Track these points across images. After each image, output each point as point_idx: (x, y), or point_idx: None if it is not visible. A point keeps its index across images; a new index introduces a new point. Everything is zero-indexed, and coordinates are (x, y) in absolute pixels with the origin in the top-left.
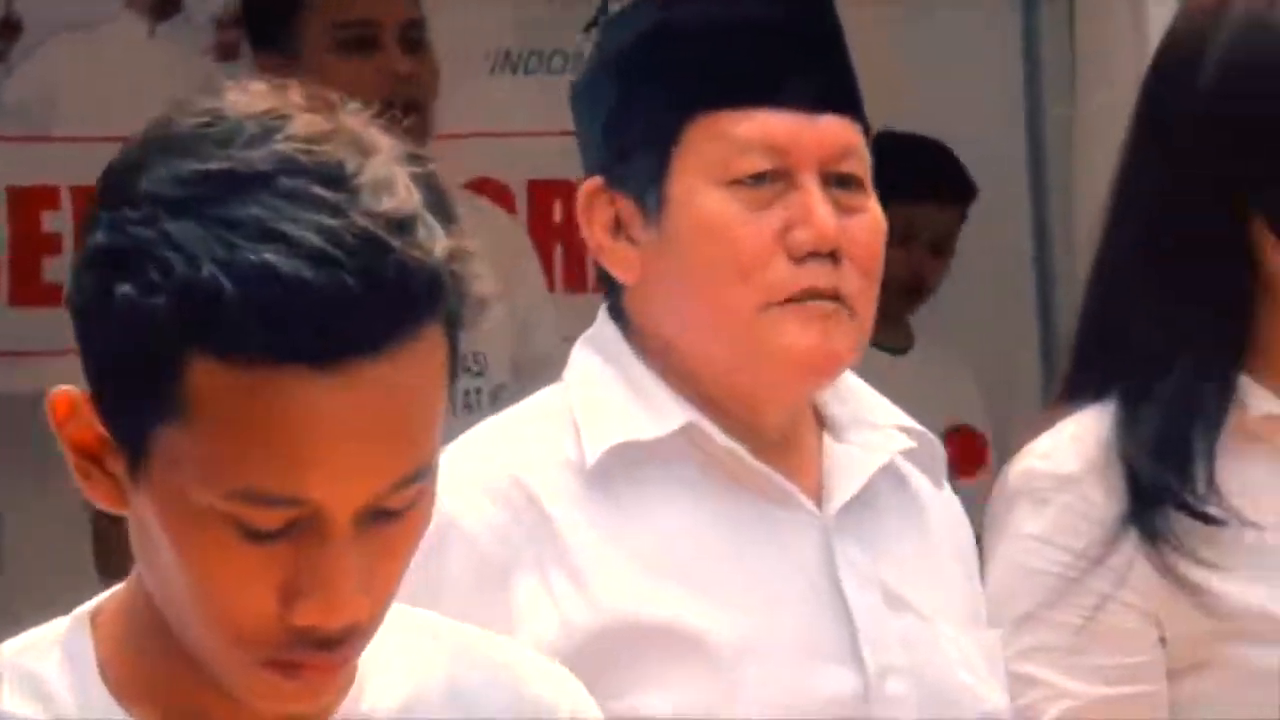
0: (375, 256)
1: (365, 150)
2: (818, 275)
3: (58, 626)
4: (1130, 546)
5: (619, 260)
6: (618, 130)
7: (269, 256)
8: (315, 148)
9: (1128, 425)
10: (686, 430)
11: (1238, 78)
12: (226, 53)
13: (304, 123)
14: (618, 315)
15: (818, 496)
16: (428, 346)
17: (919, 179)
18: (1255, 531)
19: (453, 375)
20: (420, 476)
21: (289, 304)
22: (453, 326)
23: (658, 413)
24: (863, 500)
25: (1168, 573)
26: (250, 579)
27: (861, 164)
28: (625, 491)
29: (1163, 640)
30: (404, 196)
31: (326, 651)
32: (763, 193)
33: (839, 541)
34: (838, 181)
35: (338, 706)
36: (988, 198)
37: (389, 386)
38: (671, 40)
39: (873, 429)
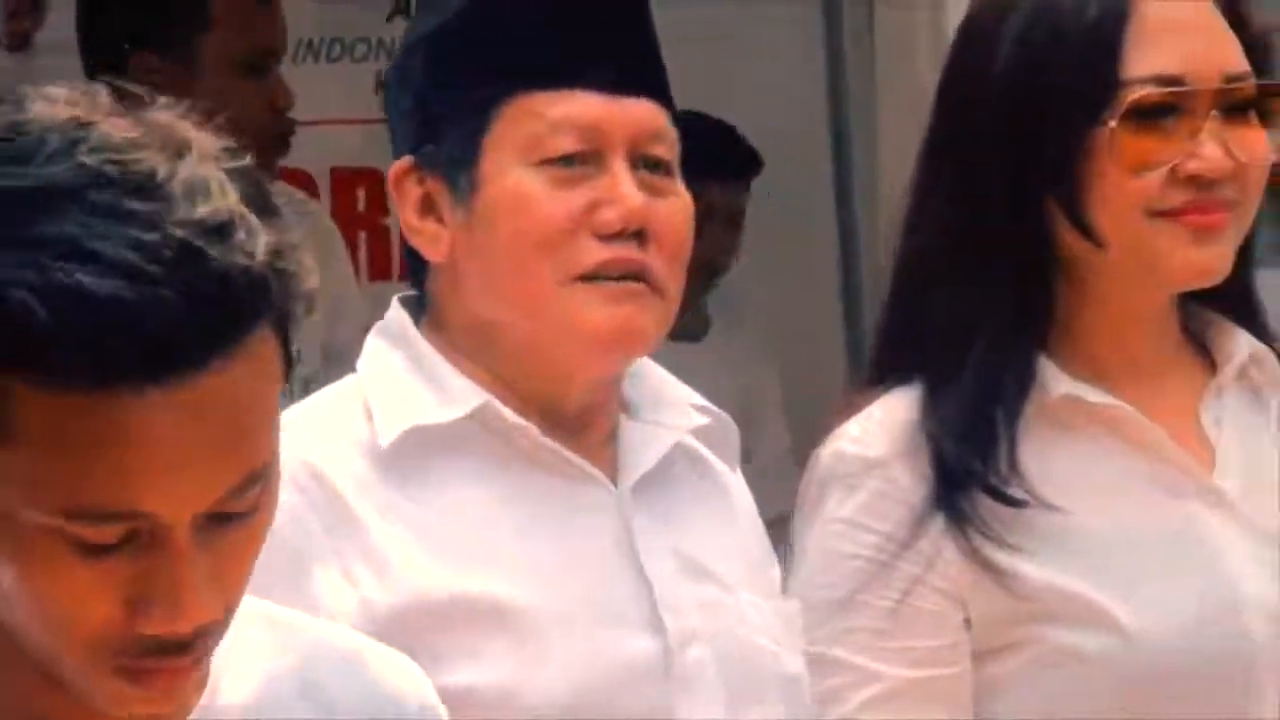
0: (194, 268)
1: (177, 152)
2: (623, 251)
3: None
4: (937, 530)
5: (427, 239)
6: (429, 111)
7: (82, 278)
8: (123, 156)
9: (933, 408)
10: (478, 412)
11: (1029, 62)
12: (17, 43)
13: (110, 130)
14: (420, 300)
15: (615, 473)
16: (257, 349)
17: (704, 156)
18: (1057, 514)
19: (287, 370)
20: (259, 479)
21: (108, 327)
22: (282, 323)
23: (449, 396)
24: (659, 476)
25: (972, 555)
26: (92, 593)
27: (670, 148)
28: (421, 474)
29: (968, 622)
30: (220, 198)
31: (177, 656)
32: (572, 173)
33: (635, 515)
34: (646, 164)
35: (195, 704)
36: (792, 181)
37: (218, 396)
38: (483, 21)
39: (669, 407)
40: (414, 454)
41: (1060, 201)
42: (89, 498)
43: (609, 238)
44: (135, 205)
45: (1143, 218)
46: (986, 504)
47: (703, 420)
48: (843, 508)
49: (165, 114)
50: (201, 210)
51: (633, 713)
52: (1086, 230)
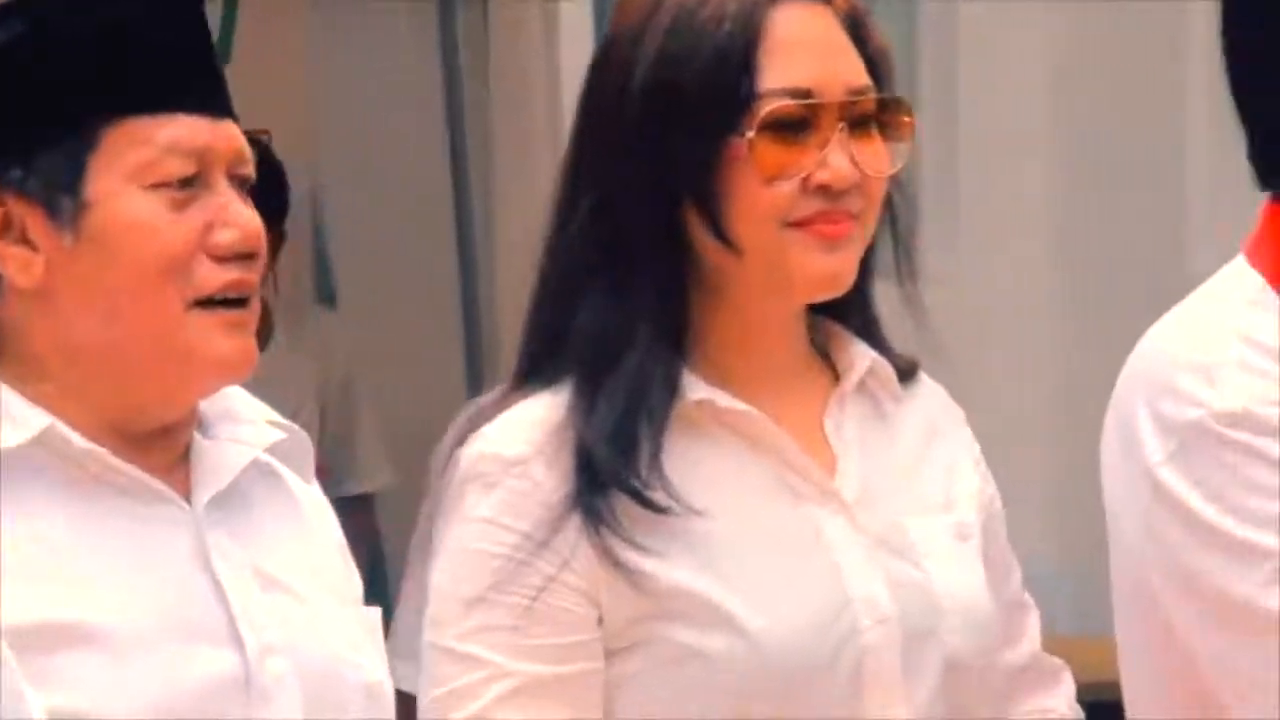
0: None
1: None
2: (241, 273)
3: None
4: (574, 529)
5: (14, 263)
6: (6, 131)
7: None
8: None
9: (583, 412)
10: (44, 436)
11: (667, 75)
12: None
13: None
14: None
15: (189, 491)
16: None
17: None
18: (690, 516)
19: None
20: None
21: None
22: None
23: (12, 421)
24: (234, 493)
25: (605, 554)
26: None
27: (251, 167)
28: None
29: (600, 620)
30: None
31: None
32: (186, 195)
33: (211, 533)
34: (237, 184)
35: None
36: (409, 177)
37: None
38: (66, 43)
39: (244, 424)
40: None
41: (700, 212)
42: None
43: (225, 259)
44: None
45: (777, 228)
46: (624, 505)
47: (279, 435)
48: (480, 507)
49: None
50: None
51: None
52: (726, 240)
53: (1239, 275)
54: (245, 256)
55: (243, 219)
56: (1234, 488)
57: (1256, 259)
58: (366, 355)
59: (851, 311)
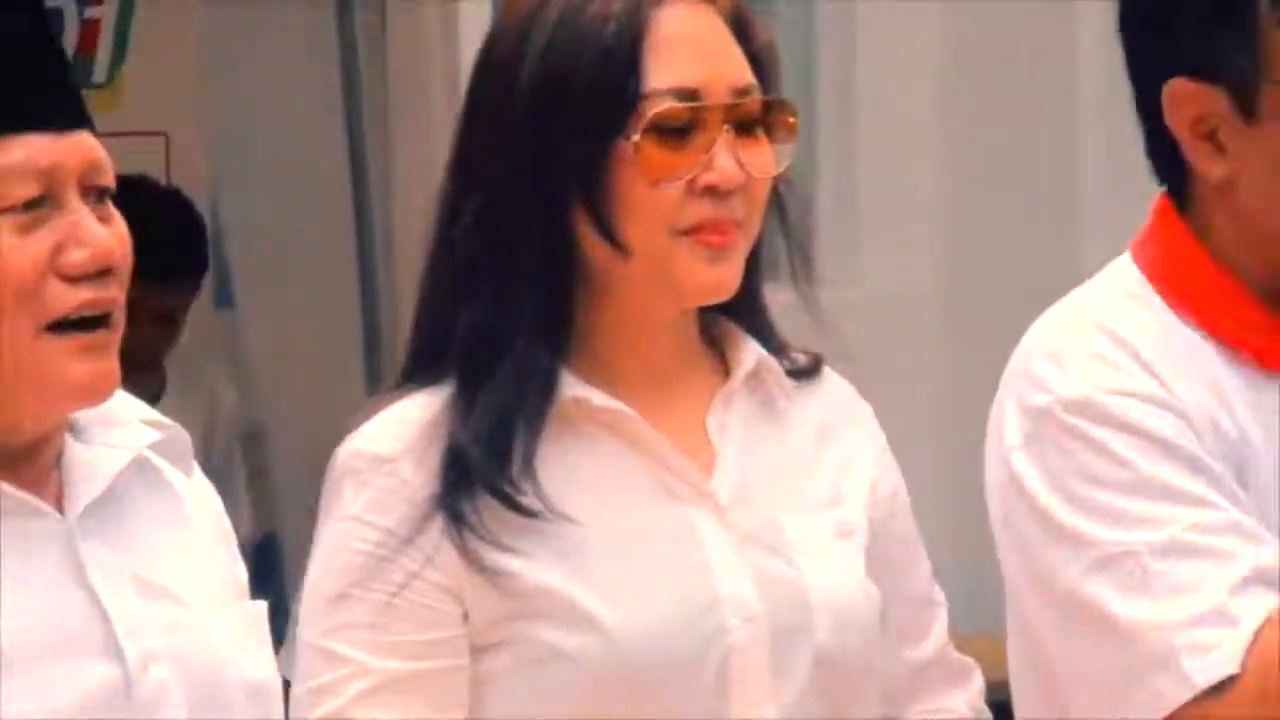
0: None
1: None
2: (96, 292)
3: None
4: (438, 528)
5: None
6: None
7: None
8: None
9: (461, 414)
10: None
11: (554, 75)
12: None
13: None
14: None
15: (62, 500)
16: None
17: (155, 256)
18: (561, 518)
19: None
20: None
21: None
22: None
23: None
24: (112, 498)
25: (467, 557)
26: None
27: (109, 174)
28: None
29: (466, 617)
30: None
31: None
32: (33, 216)
33: (84, 542)
34: (92, 195)
35: None
36: (310, 191)
37: None
38: None
39: (118, 427)
40: None
41: (589, 213)
42: None
43: (77, 279)
44: None
45: (666, 235)
46: (489, 506)
47: (155, 435)
48: (352, 505)
49: None
50: None
51: None
52: (614, 241)
53: (1122, 271)
54: (101, 274)
55: (93, 236)
56: (1069, 474)
57: (1139, 255)
58: (266, 358)
59: (742, 309)
